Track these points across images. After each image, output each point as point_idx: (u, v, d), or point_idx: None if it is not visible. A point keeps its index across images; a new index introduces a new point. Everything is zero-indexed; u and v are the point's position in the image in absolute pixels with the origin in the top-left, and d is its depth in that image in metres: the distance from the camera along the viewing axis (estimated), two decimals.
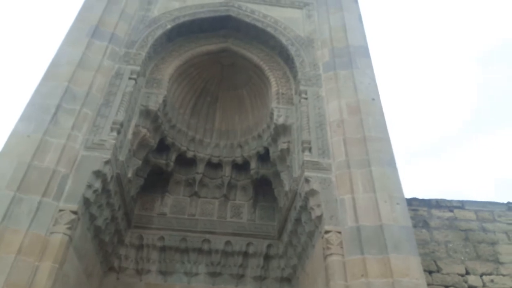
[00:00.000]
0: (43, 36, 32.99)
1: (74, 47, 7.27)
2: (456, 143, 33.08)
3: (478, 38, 33.95)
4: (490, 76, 33.42)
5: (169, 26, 8.28)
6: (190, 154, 8.93)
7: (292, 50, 8.32)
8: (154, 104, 7.59)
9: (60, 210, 5.41)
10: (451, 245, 7.43)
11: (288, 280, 7.80)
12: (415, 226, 7.06)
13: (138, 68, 7.42)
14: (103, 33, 7.68)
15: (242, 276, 7.99)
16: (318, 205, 5.96)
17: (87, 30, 7.59)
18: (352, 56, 7.99)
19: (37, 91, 6.56)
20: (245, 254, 8.09)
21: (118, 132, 6.53)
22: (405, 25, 35.18)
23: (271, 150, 8.19)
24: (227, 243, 8.13)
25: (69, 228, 5.35)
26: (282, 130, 7.68)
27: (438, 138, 31.96)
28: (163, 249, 7.99)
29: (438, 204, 8.01)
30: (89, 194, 5.77)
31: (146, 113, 7.54)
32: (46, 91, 6.56)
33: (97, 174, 5.93)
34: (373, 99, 7.31)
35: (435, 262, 7.24)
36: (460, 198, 8.08)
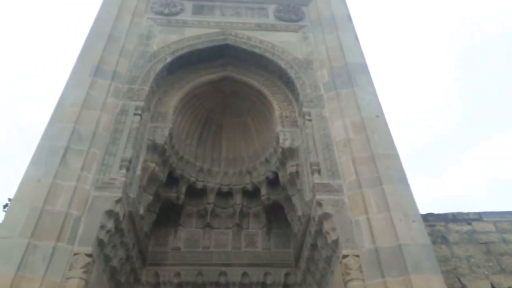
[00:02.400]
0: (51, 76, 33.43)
1: (78, 88, 7.36)
2: (442, 153, 32.78)
3: (456, 39, 34.39)
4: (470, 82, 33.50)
5: (169, 59, 8.40)
6: (199, 185, 8.93)
7: (291, 73, 8.41)
8: (160, 137, 7.63)
9: (75, 254, 5.38)
10: (473, 260, 7.25)
11: None
12: (433, 242, 6.93)
13: (142, 104, 7.49)
14: (105, 71, 7.79)
15: None
16: (333, 229, 5.90)
17: (90, 70, 7.70)
18: (352, 74, 8.05)
19: (46, 134, 6.62)
20: (263, 285, 7.98)
21: (127, 169, 6.54)
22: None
23: (280, 174, 8.17)
24: (244, 274, 8.03)
25: (85, 272, 5.30)
26: (289, 153, 7.68)
27: (425, 146, 31.76)
28: (180, 285, 7.90)
29: (455, 217, 7.87)
30: (103, 235, 5.75)
31: (154, 147, 7.56)
32: (54, 134, 6.61)
33: (109, 213, 5.91)
34: (377, 116, 7.33)
35: (458, 279, 7.02)
36: (477, 210, 7.96)
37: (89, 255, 5.40)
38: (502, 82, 32.70)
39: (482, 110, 32.36)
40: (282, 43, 9.01)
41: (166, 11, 9.49)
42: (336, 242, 5.83)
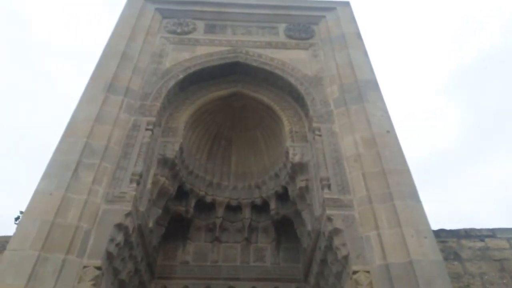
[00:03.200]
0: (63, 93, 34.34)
1: (91, 103, 7.51)
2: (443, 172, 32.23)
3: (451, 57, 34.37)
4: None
5: (181, 76, 8.56)
6: (209, 199, 8.96)
7: (301, 89, 8.48)
8: (171, 152, 7.72)
9: (84, 267, 5.39)
10: (486, 277, 7.06)
11: None
12: (446, 259, 6.78)
13: (153, 119, 7.61)
14: (118, 87, 7.95)
15: None
16: (344, 244, 5.82)
17: (103, 86, 7.87)
18: (362, 90, 8.09)
19: (58, 149, 6.73)
20: None
21: (138, 183, 6.60)
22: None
23: (289, 189, 8.15)
24: None
25: (94, 285, 5.30)
26: (299, 168, 7.68)
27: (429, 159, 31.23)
28: None
29: (467, 234, 7.71)
30: (112, 248, 5.76)
31: (164, 161, 7.64)
32: (66, 148, 6.72)
33: (119, 227, 5.94)
34: (388, 131, 7.31)
35: None
36: (491, 227, 7.79)
37: (98, 268, 5.41)
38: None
39: (487, 125, 31.88)
40: (292, 60, 9.14)
41: (179, 30, 9.74)
42: (346, 258, 5.74)
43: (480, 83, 32.62)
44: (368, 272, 5.41)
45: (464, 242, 7.59)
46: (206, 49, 9.24)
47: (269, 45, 9.51)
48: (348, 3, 10.75)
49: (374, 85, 8.33)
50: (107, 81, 7.95)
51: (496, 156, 31.32)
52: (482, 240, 7.64)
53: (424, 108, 33.67)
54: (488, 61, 33.86)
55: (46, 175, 6.30)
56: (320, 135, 7.48)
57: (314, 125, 7.68)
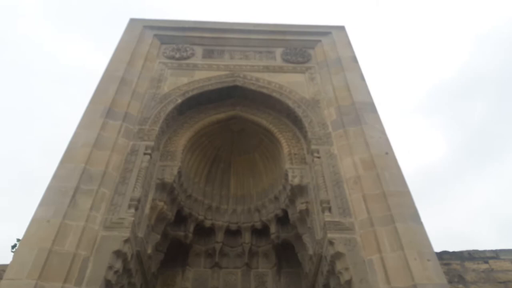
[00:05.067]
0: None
1: (89, 129, 7.50)
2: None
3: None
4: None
5: (179, 101, 8.61)
6: (208, 223, 8.86)
7: (299, 112, 8.53)
8: (169, 176, 7.68)
9: None
10: None
11: None
12: (450, 282, 6.70)
13: (152, 143, 7.60)
14: (117, 113, 7.97)
15: None
16: (346, 269, 5.74)
17: (101, 112, 7.88)
18: (359, 112, 8.15)
19: (56, 175, 6.67)
20: None
21: (136, 209, 6.53)
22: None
23: (289, 212, 8.09)
24: None
25: None
26: (299, 190, 7.64)
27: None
28: None
29: (471, 255, 7.63)
30: (111, 276, 5.66)
31: (162, 186, 7.59)
32: (64, 174, 6.66)
33: (118, 254, 5.85)
34: (387, 153, 7.32)
35: None
36: (494, 248, 7.73)
37: None
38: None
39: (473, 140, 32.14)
40: (290, 84, 9.24)
41: (177, 55, 9.86)
42: (349, 283, 5.66)
43: (458, 101, 33.29)
44: None
45: (467, 264, 7.51)
46: (205, 74, 9.34)
47: (267, 69, 9.63)
48: (343, 28, 10.96)
49: (371, 107, 8.39)
50: (105, 106, 7.97)
51: (481, 175, 31.58)
52: (486, 262, 7.56)
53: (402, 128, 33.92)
54: (464, 79, 34.55)
55: (44, 202, 6.22)
56: (319, 157, 7.48)
57: (313, 147, 7.70)
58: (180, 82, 9.07)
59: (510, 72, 33.60)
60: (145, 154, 7.38)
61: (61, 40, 36.95)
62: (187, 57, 9.82)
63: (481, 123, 32.45)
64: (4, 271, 5.57)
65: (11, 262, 5.51)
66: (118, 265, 5.84)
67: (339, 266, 5.88)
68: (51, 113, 34.67)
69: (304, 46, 10.43)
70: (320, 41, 10.49)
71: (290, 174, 7.74)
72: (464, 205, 31.27)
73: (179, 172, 7.95)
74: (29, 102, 35.18)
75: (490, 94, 33.32)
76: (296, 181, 7.63)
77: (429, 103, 35.28)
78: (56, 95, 35.72)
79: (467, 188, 31.89)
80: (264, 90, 9.01)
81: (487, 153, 31.77)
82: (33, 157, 33.20)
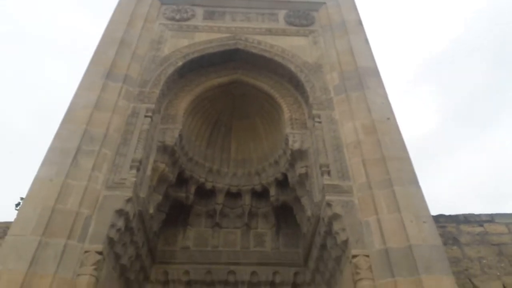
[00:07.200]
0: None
1: (90, 91, 7.46)
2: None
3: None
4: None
5: (180, 63, 8.49)
6: (209, 185, 8.98)
7: (301, 76, 8.42)
8: (170, 139, 7.70)
9: (86, 252, 5.42)
10: (484, 261, 7.16)
11: None
12: (445, 243, 6.86)
13: (153, 106, 7.57)
14: (117, 75, 7.89)
15: None
16: (343, 229, 5.85)
17: (102, 73, 7.80)
18: (362, 77, 8.03)
19: (57, 136, 6.71)
20: (272, 284, 7.96)
21: (138, 170, 6.60)
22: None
23: (289, 176, 8.17)
24: (253, 273, 8.03)
25: (95, 269, 5.34)
26: (299, 155, 7.67)
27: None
28: (188, 283, 7.94)
29: (466, 219, 7.79)
30: (113, 234, 5.79)
31: (164, 148, 7.63)
32: (65, 135, 6.70)
33: (120, 213, 5.96)
34: (388, 118, 7.28)
35: (470, 280, 6.96)
36: (490, 212, 7.89)
37: (100, 253, 5.44)
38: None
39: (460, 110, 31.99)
40: (292, 47, 9.05)
41: (178, 16, 9.64)
42: (345, 242, 5.79)
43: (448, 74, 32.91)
44: (367, 256, 5.44)
45: (463, 227, 7.68)
46: (205, 36, 9.14)
47: (269, 32, 9.41)
48: None
49: (374, 72, 8.26)
50: (105, 68, 7.89)
51: (469, 144, 31.67)
52: (481, 225, 7.74)
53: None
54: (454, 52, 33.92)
55: (46, 162, 6.29)
56: (320, 122, 7.45)
57: (314, 112, 7.65)
58: (180, 44, 8.91)
59: (502, 45, 33.01)
60: (146, 116, 7.37)
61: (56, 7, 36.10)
62: (188, 19, 9.60)
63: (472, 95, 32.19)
64: (8, 227, 5.71)
65: (15, 219, 5.64)
66: (120, 223, 5.96)
67: (336, 227, 5.99)
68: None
69: (308, 8, 10.14)
70: (324, 3, 10.19)
71: (290, 139, 7.75)
72: (451, 177, 31.56)
73: (180, 135, 7.97)
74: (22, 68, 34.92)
75: (482, 66, 32.83)
76: (296, 145, 7.65)
77: (421, 75, 34.95)
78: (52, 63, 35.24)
79: (455, 160, 32.10)
80: (266, 54, 8.85)
81: (476, 124, 31.80)
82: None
